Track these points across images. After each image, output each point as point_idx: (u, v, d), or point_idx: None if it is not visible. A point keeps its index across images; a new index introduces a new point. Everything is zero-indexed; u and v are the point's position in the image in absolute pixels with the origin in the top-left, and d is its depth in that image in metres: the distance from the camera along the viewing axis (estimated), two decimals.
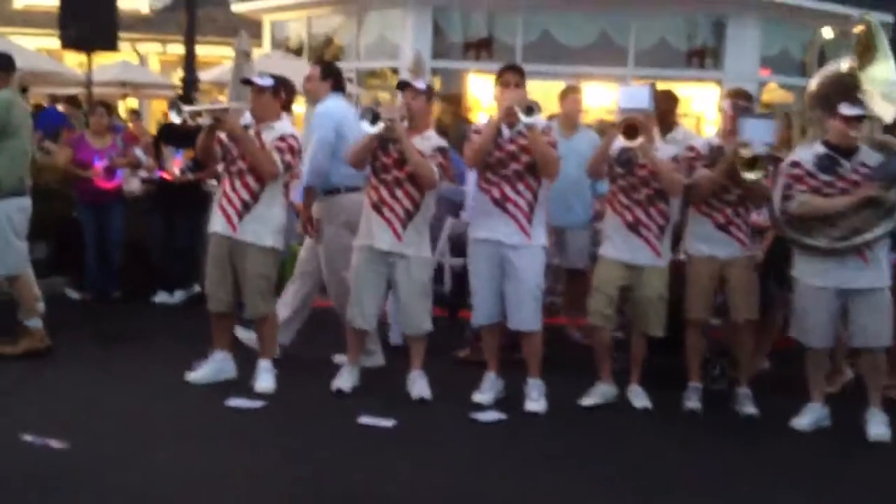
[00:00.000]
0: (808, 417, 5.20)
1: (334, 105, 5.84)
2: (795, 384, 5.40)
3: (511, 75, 5.25)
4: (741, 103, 5.42)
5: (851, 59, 5.48)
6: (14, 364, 5.67)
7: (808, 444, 5.03)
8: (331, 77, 5.96)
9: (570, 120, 6.59)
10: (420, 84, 5.41)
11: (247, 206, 5.34)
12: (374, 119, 5.10)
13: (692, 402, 5.40)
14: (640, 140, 4.99)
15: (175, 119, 5.32)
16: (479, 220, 5.37)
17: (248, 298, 5.43)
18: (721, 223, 5.34)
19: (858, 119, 5.05)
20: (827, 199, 5.06)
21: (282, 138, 5.35)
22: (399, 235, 5.29)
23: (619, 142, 5.08)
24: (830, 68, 5.74)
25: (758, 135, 5.07)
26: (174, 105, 5.36)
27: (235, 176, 5.35)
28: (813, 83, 5.85)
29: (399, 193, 5.28)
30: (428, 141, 5.34)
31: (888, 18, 13.11)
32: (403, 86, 5.41)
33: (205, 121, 5.32)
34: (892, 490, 4.48)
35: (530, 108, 4.97)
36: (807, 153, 5.20)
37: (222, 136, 5.36)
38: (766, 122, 5.24)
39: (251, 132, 5.37)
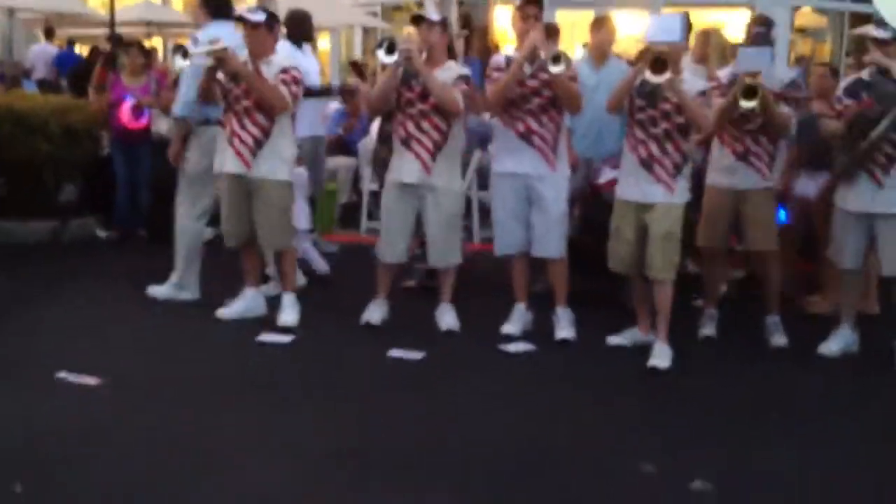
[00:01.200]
0: (837, 343, 5.17)
1: (214, 33, 5.57)
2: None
3: (531, 8, 5.17)
4: (756, 29, 5.33)
5: None
6: (42, 301, 5.75)
7: (836, 369, 5.00)
8: (210, 3, 5.80)
9: (600, 51, 6.44)
10: (434, 16, 5.31)
11: (259, 143, 5.32)
12: (391, 48, 5.02)
13: (707, 329, 5.42)
14: (667, 75, 4.69)
15: (182, 64, 5.24)
16: (504, 154, 5.32)
17: (267, 233, 5.44)
18: (740, 153, 5.26)
19: (878, 41, 4.98)
20: (831, 121, 5.09)
21: (284, 71, 5.31)
22: (428, 168, 5.26)
23: (645, 74, 4.80)
24: None
25: (752, 64, 4.96)
26: (178, 50, 5.28)
27: (243, 114, 5.31)
28: None
29: (426, 126, 5.24)
30: (449, 71, 5.28)
31: None
32: (418, 20, 5.32)
33: (208, 62, 5.24)
34: None
35: (557, 57, 4.89)
36: (848, 80, 5.20)
37: (220, 76, 5.30)
38: (761, 52, 5.08)
39: (249, 68, 5.28)
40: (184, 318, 5.57)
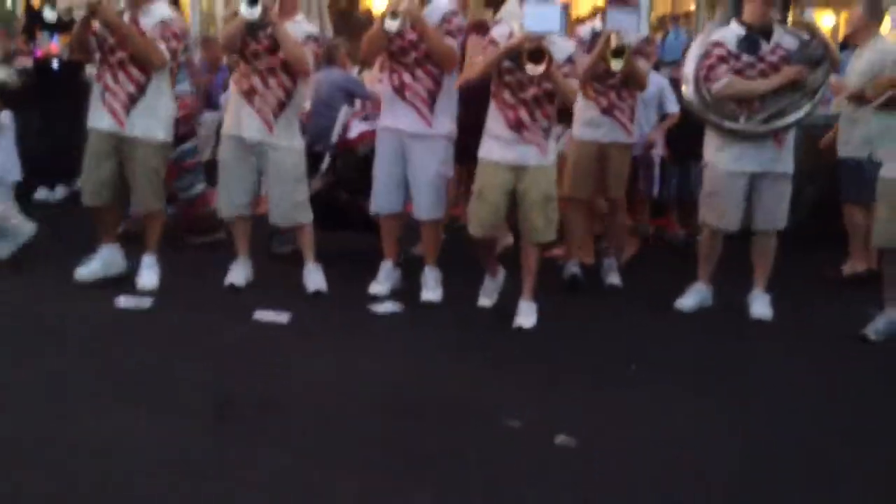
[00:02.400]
0: (692, 298, 5.36)
1: None
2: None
3: None
4: None
5: None
6: None
7: (689, 323, 5.20)
8: None
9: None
10: None
11: (133, 99, 5.08)
12: (253, 1, 4.84)
13: (574, 268, 5.67)
14: (543, 66, 4.55)
15: (50, 16, 4.95)
16: (384, 108, 5.28)
17: (139, 194, 5.23)
18: (605, 107, 5.46)
19: None
20: (751, 81, 5.07)
21: (163, 23, 5.07)
22: (270, 126, 5.14)
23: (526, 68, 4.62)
24: None
25: (621, 25, 5.14)
26: (48, 2, 4.97)
27: (117, 67, 5.06)
28: None
29: (272, 82, 5.11)
30: (299, 25, 5.16)
31: None
32: None
33: (80, 12, 4.96)
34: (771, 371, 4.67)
35: (395, 14, 4.82)
36: (728, 33, 5.15)
37: (96, 25, 5.04)
38: (630, 14, 5.22)
39: (126, 18, 5.06)
40: (37, 278, 5.33)
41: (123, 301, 5.00)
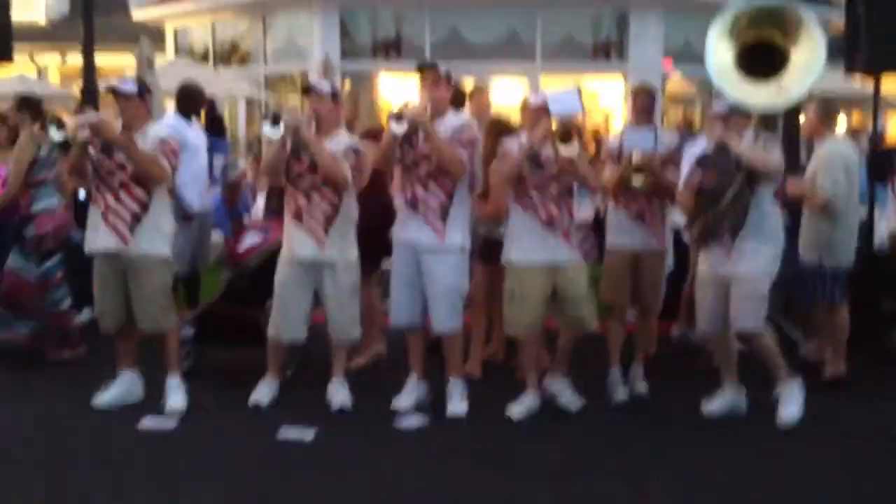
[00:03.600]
0: (720, 403, 5.28)
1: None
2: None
3: (429, 73, 5.22)
4: (639, 100, 5.66)
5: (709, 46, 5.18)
6: None
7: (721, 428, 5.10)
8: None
9: (479, 120, 6.61)
10: (324, 87, 5.32)
11: (137, 218, 5.14)
12: (276, 121, 4.98)
13: (620, 395, 5.54)
14: (575, 145, 4.89)
15: (57, 137, 5.06)
16: (398, 223, 5.32)
17: (148, 314, 5.21)
18: (635, 214, 5.54)
19: (717, 116, 5.16)
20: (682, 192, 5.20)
21: (162, 142, 5.17)
22: (322, 242, 5.19)
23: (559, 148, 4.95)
24: None
25: (639, 144, 5.30)
26: (53, 121, 5.10)
27: (118, 188, 5.13)
28: None
29: (316, 198, 5.18)
30: (339, 140, 5.25)
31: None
32: (307, 90, 5.31)
33: (83, 133, 5.01)
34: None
35: (399, 115, 4.92)
36: (700, 150, 5.25)
37: (91, 151, 5.14)
38: (646, 134, 5.41)
39: None
40: (57, 405, 5.32)
41: (149, 422, 4.99)
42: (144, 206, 5.16)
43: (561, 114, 5.02)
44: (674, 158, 5.46)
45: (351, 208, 5.30)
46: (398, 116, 4.94)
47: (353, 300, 5.33)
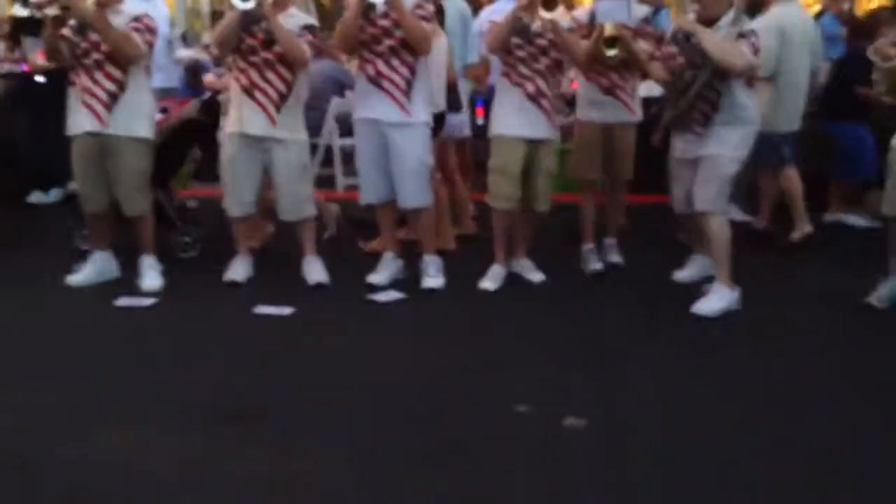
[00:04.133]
0: (692, 270, 5.40)
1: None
2: None
3: None
4: None
5: None
6: None
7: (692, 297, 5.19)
8: None
9: None
10: None
11: (114, 97, 5.03)
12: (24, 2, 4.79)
13: (594, 265, 5.58)
14: (558, 12, 4.89)
15: (21, 12, 4.88)
16: (359, 100, 5.24)
17: (125, 196, 5.17)
18: (607, 87, 5.46)
19: None
20: (663, 68, 5.09)
21: (136, 19, 5.02)
22: (273, 119, 5.11)
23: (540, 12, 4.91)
24: None
25: (612, 15, 5.13)
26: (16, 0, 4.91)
27: (93, 68, 5.00)
28: None
29: (270, 76, 5.07)
30: (293, 18, 5.12)
31: None
32: None
33: (53, 10, 4.89)
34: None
35: None
36: (680, 21, 5.28)
37: (65, 31, 4.99)
38: (619, 4, 5.18)
39: None
40: (28, 287, 5.30)
41: (124, 301, 4.99)
42: (121, 86, 5.04)
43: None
44: (644, 31, 5.36)
45: (302, 87, 5.22)
46: None
47: (304, 179, 5.29)
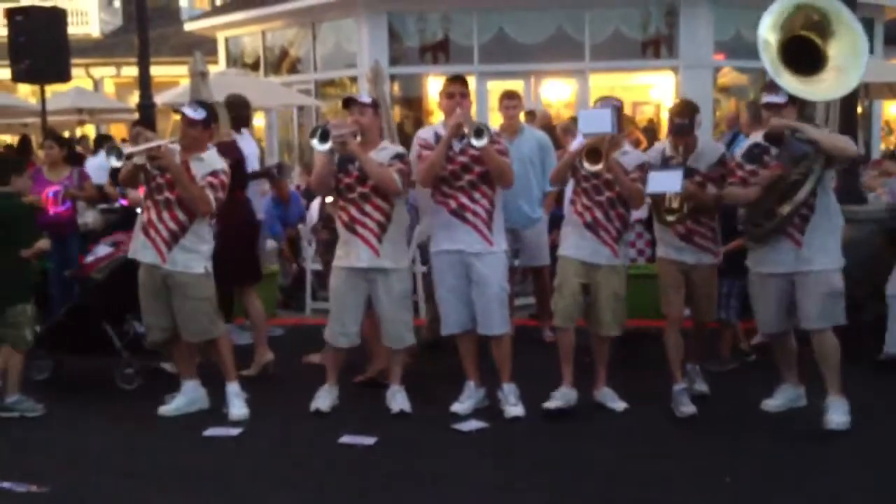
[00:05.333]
0: (781, 398, 5.29)
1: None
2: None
3: (456, 86, 5.29)
4: (677, 121, 5.35)
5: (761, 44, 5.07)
6: None
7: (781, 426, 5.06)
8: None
9: (509, 126, 6.72)
10: (365, 98, 5.42)
11: (175, 238, 5.25)
12: (324, 136, 5.06)
13: (687, 407, 5.29)
14: (601, 164, 5.00)
15: (116, 164, 5.20)
16: (440, 232, 5.37)
17: (190, 327, 5.32)
18: (682, 234, 5.39)
19: (774, 106, 5.02)
20: (745, 188, 5.10)
21: (213, 174, 5.28)
22: (376, 251, 5.26)
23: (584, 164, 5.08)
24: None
25: (663, 187, 5.15)
26: (111, 150, 5.22)
27: (163, 205, 5.25)
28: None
29: (368, 208, 5.26)
30: (385, 151, 5.34)
31: None
32: (349, 103, 5.39)
33: (140, 160, 5.20)
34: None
35: (480, 131, 4.98)
36: (745, 145, 5.31)
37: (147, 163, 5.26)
38: (671, 174, 5.16)
39: (178, 161, 5.24)
40: (120, 420, 5.43)
41: (212, 431, 5.10)
42: (183, 229, 5.27)
43: (589, 133, 5.06)
44: (718, 174, 5.31)
45: (402, 215, 5.39)
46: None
47: (406, 307, 5.40)
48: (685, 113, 5.35)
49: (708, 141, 5.96)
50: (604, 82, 15.29)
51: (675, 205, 5.24)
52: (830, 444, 4.82)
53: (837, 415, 4.93)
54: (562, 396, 5.35)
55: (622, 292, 5.35)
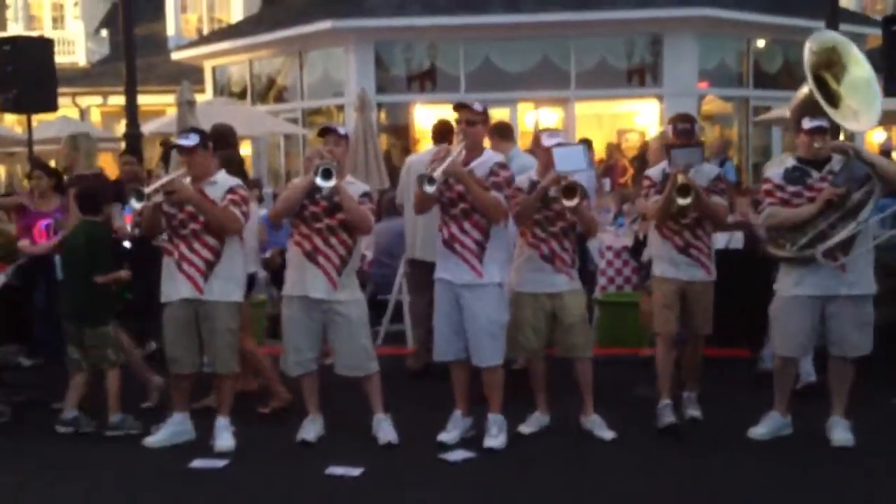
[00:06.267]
0: (767, 427, 5.29)
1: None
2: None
3: (461, 114, 5.22)
4: (681, 125, 5.52)
5: (810, 79, 5.35)
6: None
7: (769, 453, 5.07)
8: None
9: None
10: (341, 130, 5.47)
11: (211, 266, 5.26)
12: (327, 174, 5.04)
13: (668, 418, 5.40)
14: (576, 200, 5.09)
15: (137, 206, 5.16)
16: (438, 260, 5.39)
17: (220, 355, 5.33)
18: (681, 246, 5.50)
19: (821, 131, 5.11)
20: (793, 208, 5.15)
21: (231, 191, 5.30)
22: (335, 283, 5.26)
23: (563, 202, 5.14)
24: (799, 91, 5.66)
25: (685, 161, 5.27)
26: (135, 192, 5.16)
27: (191, 238, 5.25)
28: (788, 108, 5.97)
29: (333, 241, 5.26)
30: (352, 186, 5.37)
31: (819, 25, 13.45)
32: (325, 132, 5.41)
33: (158, 197, 5.19)
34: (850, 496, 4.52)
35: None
36: (777, 169, 5.34)
37: (164, 205, 5.27)
38: (693, 151, 5.34)
39: None
40: (108, 448, 5.40)
41: (199, 462, 5.07)
42: (217, 254, 5.28)
43: (566, 171, 5.12)
44: (717, 189, 5.47)
45: (360, 251, 5.45)
46: (430, 179, 4.94)
47: (365, 336, 5.40)
48: (687, 119, 5.62)
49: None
50: (589, 110, 15.46)
51: (682, 182, 5.23)
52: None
53: (844, 433, 5.09)
54: (535, 422, 5.48)
55: (586, 314, 5.51)
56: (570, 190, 5.10)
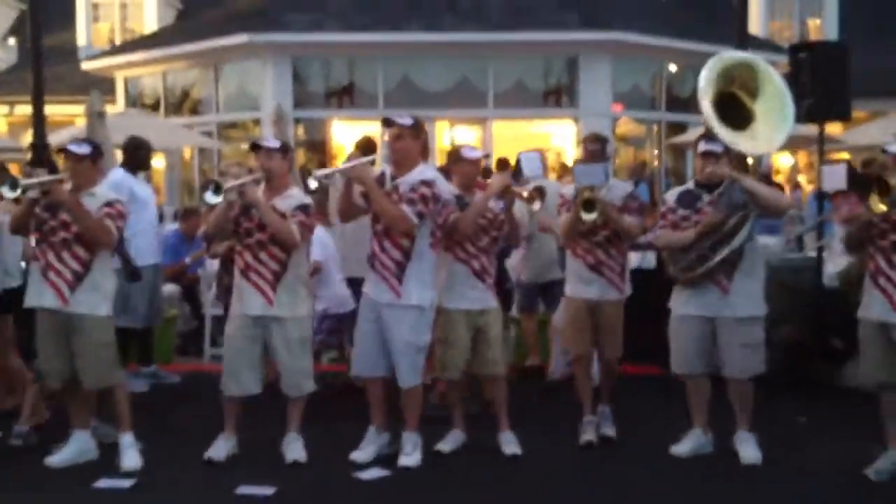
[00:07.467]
0: (689, 444, 5.34)
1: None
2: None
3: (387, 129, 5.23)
4: (591, 146, 5.84)
5: (706, 98, 5.30)
6: None
7: (690, 469, 5.13)
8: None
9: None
10: (272, 143, 5.34)
11: (78, 277, 5.08)
12: (217, 189, 4.93)
13: (589, 436, 5.49)
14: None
15: (9, 195, 5.00)
16: (366, 274, 5.33)
17: (90, 372, 5.12)
18: (592, 264, 5.53)
19: (712, 155, 5.20)
20: (678, 232, 5.26)
21: (109, 204, 5.15)
22: (270, 299, 5.16)
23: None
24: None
25: (588, 179, 5.37)
26: (6, 182, 5.02)
27: (60, 246, 5.07)
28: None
29: (264, 256, 5.16)
30: (290, 199, 5.25)
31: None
32: (256, 147, 5.32)
33: (34, 193, 5.02)
34: None
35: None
36: (676, 191, 5.46)
37: (36, 208, 5.10)
38: (595, 168, 5.44)
39: None
40: (8, 465, 5.20)
41: (104, 482, 4.89)
42: (86, 266, 5.11)
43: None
44: (631, 206, 5.54)
45: (300, 265, 5.31)
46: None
47: (304, 354, 5.31)
48: (597, 140, 5.93)
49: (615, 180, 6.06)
50: (506, 130, 15.57)
51: (587, 197, 5.29)
52: None
53: (751, 450, 5.17)
54: (453, 440, 5.46)
55: (501, 333, 5.58)
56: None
